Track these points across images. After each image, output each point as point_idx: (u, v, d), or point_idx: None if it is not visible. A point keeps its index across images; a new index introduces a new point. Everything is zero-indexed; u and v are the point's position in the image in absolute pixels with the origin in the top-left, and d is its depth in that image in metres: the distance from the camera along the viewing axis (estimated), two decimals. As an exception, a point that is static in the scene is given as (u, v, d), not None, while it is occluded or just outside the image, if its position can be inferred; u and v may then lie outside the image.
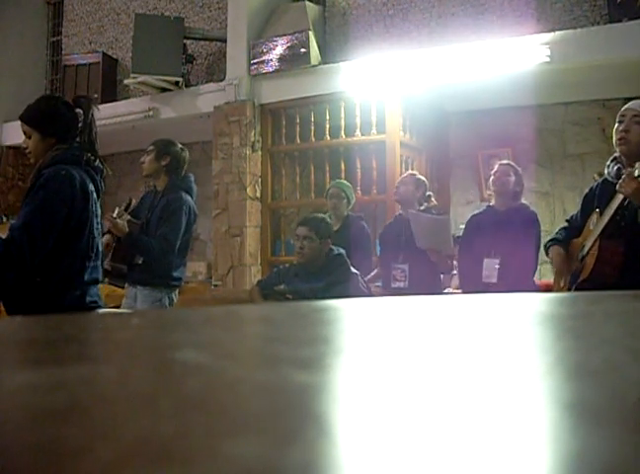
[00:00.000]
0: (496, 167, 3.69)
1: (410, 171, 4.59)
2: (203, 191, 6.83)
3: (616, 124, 2.66)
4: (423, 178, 4.08)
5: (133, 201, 3.44)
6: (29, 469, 0.18)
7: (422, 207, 3.94)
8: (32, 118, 2.38)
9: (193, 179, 3.46)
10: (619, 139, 2.61)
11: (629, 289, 2.16)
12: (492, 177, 3.67)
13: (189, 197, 3.36)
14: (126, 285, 3.38)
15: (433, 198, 4.11)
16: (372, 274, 4.16)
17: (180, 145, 3.46)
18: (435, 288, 3.79)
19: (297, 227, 3.63)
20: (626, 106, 2.67)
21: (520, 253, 3.36)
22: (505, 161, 3.81)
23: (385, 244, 4.07)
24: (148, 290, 3.27)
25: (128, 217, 3.25)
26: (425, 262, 3.71)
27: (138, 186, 6.83)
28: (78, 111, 2.40)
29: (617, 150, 2.65)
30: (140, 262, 3.23)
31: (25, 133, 2.40)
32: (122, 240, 3.19)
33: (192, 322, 0.66)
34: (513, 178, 3.59)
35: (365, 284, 3.74)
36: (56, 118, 2.37)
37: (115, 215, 3.22)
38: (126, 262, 3.24)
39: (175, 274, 3.33)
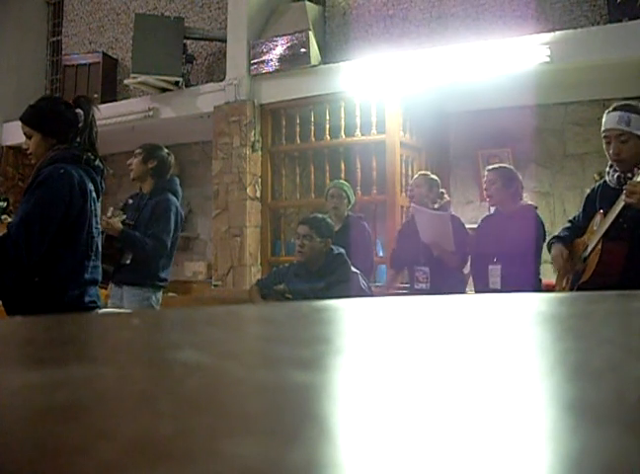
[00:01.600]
0: (485, 175, 3.68)
1: (422, 171, 4.59)
2: (203, 191, 6.84)
3: (604, 144, 2.69)
4: (434, 177, 4.11)
5: (130, 201, 3.50)
6: (29, 468, 0.18)
7: (436, 205, 3.97)
8: (32, 118, 2.39)
9: (178, 182, 3.54)
10: (615, 160, 2.65)
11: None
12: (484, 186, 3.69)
13: (175, 199, 3.42)
14: (112, 285, 3.41)
15: (445, 195, 4.15)
16: (397, 279, 4.23)
17: (166, 150, 3.55)
18: (457, 289, 3.79)
19: (298, 226, 3.64)
20: (605, 124, 2.68)
21: (523, 257, 3.36)
22: (490, 167, 3.75)
23: (404, 244, 4.06)
24: (136, 290, 3.31)
25: (124, 217, 3.29)
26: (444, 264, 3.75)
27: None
28: (78, 111, 2.40)
29: (616, 167, 2.68)
30: (128, 262, 3.27)
31: (25, 134, 2.40)
32: (119, 237, 3.22)
33: (192, 322, 0.66)
34: (500, 184, 3.56)
35: (366, 284, 3.75)
36: (57, 118, 2.37)
37: (109, 215, 3.27)
38: (114, 263, 3.27)
39: (162, 274, 3.38)
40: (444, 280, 3.76)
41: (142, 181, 3.49)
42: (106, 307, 3.31)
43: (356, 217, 4.39)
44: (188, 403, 0.27)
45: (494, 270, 3.47)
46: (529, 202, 3.70)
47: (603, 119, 2.70)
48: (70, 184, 2.28)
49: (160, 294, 3.45)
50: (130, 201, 3.49)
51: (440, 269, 3.77)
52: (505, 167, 3.73)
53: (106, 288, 3.46)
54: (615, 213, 2.55)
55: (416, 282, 3.87)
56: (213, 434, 0.22)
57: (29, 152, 2.40)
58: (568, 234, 2.92)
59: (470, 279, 4.11)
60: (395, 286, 4.23)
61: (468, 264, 4.00)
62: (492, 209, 3.85)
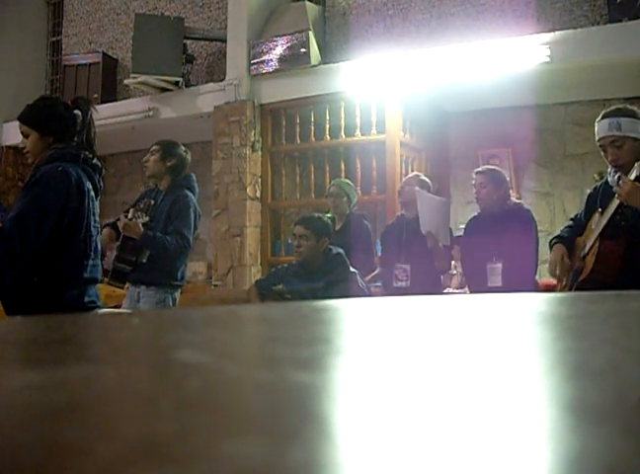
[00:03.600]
0: (474, 178, 3.68)
1: (414, 172, 4.59)
2: (203, 191, 6.81)
3: (601, 152, 2.71)
4: (427, 179, 4.12)
5: (152, 202, 3.41)
6: (29, 469, 0.18)
7: None
8: (29, 117, 2.39)
9: (195, 178, 3.49)
10: (614, 166, 2.67)
11: (628, 289, 2.16)
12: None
13: (193, 196, 3.39)
14: (129, 285, 3.37)
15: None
16: (374, 273, 4.19)
17: (183, 147, 3.50)
18: (436, 288, 3.81)
19: (294, 227, 3.63)
20: (597, 133, 2.69)
21: (521, 255, 3.37)
22: (478, 169, 3.75)
23: (386, 244, 4.09)
24: (153, 291, 3.26)
25: (147, 219, 3.22)
26: (426, 262, 3.74)
27: (138, 186, 6.83)
28: (77, 112, 2.40)
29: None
30: (144, 260, 3.22)
31: (22, 133, 2.40)
32: (139, 240, 3.17)
33: (192, 322, 0.66)
34: (490, 187, 3.56)
35: (365, 284, 3.75)
36: (54, 117, 2.38)
37: (130, 217, 3.21)
38: (132, 263, 3.22)
39: (178, 274, 3.34)
40: (425, 279, 3.75)
41: (159, 179, 3.44)
42: (107, 307, 3.30)
43: (357, 215, 4.39)
44: (188, 403, 0.27)
45: (494, 268, 3.47)
46: (517, 201, 3.70)
47: (596, 129, 2.71)
48: (67, 182, 2.28)
49: (177, 294, 3.40)
50: (152, 202, 3.37)
51: (422, 267, 3.75)
52: (493, 169, 3.73)
53: (123, 288, 3.43)
54: (611, 211, 2.57)
55: (395, 280, 3.84)
56: (213, 435, 0.22)
57: (26, 151, 2.40)
58: (569, 234, 2.92)
59: (457, 280, 4.12)
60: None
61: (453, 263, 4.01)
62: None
